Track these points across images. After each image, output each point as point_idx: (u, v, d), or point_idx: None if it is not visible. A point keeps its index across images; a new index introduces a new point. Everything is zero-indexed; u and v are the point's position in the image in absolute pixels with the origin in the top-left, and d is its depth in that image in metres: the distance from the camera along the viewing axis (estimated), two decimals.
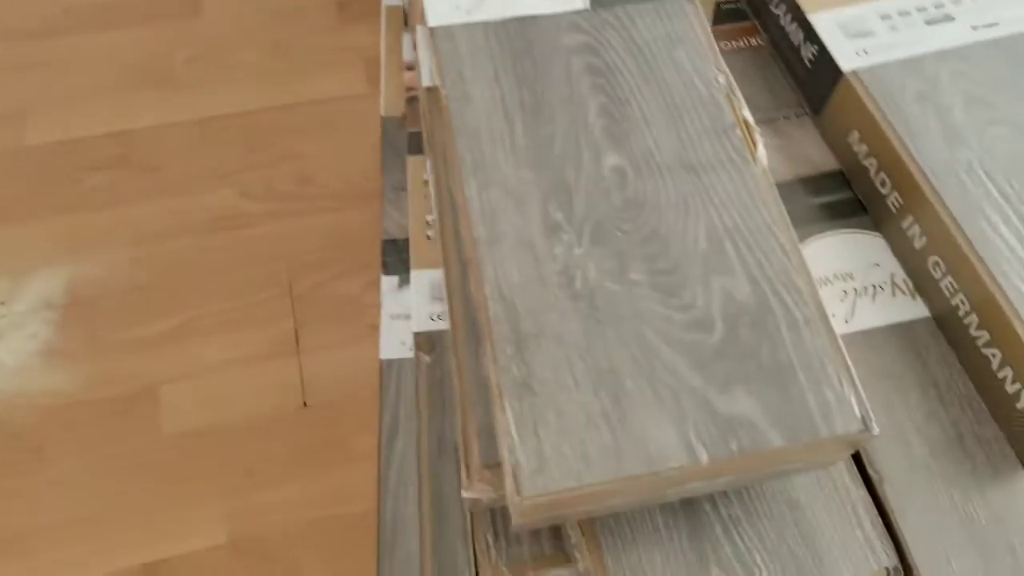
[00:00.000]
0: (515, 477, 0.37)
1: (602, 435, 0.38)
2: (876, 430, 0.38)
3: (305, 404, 0.74)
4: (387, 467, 0.62)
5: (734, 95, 0.47)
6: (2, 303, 0.81)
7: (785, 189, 0.55)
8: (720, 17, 0.65)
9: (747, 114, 0.46)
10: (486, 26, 0.50)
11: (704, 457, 0.37)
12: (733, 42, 0.63)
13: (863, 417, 0.38)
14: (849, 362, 0.39)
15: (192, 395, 0.75)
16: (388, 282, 0.67)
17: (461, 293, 0.44)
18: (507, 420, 0.38)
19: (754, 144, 0.46)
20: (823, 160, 0.57)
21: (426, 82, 0.51)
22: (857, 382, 0.39)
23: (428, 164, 0.52)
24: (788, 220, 0.43)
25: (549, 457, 0.37)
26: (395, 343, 0.63)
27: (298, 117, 0.91)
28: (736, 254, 0.42)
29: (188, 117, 0.92)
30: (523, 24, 0.50)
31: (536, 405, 0.38)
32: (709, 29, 0.51)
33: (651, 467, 0.37)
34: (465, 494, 0.43)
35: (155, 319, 0.79)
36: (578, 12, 0.51)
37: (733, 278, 0.42)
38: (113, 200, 0.87)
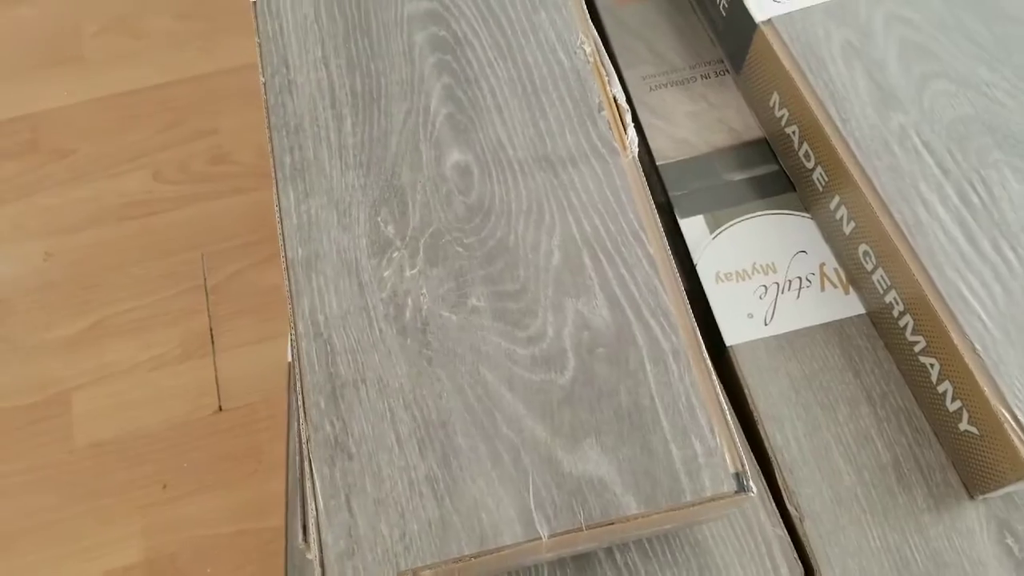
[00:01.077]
0: (322, 562, 0.30)
1: (426, 507, 0.31)
2: (753, 490, 0.30)
3: (220, 408, 0.68)
4: (295, 481, 0.55)
5: (603, 67, 0.39)
6: None
7: (700, 162, 0.47)
8: None
9: (617, 91, 0.38)
10: None
11: (545, 531, 0.30)
12: None
13: (738, 475, 0.30)
14: (724, 403, 0.32)
15: (105, 401, 0.70)
16: None
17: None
18: (315, 489, 0.31)
19: (623, 128, 0.37)
20: (745, 127, 0.48)
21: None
22: (733, 428, 0.31)
23: None
24: (659, 224, 0.35)
25: (363, 536, 0.30)
26: None
27: (212, 88, 0.83)
28: (595, 269, 0.34)
29: (98, 94, 0.84)
30: None
31: (351, 471, 0.31)
32: None
33: (482, 545, 0.30)
34: (307, 555, 0.36)
35: (68, 319, 0.73)
36: None
37: (591, 300, 0.34)
38: (24, 190, 0.80)
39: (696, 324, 0.33)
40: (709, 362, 0.33)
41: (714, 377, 0.32)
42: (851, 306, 0.42)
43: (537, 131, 0.38)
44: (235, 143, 0.80)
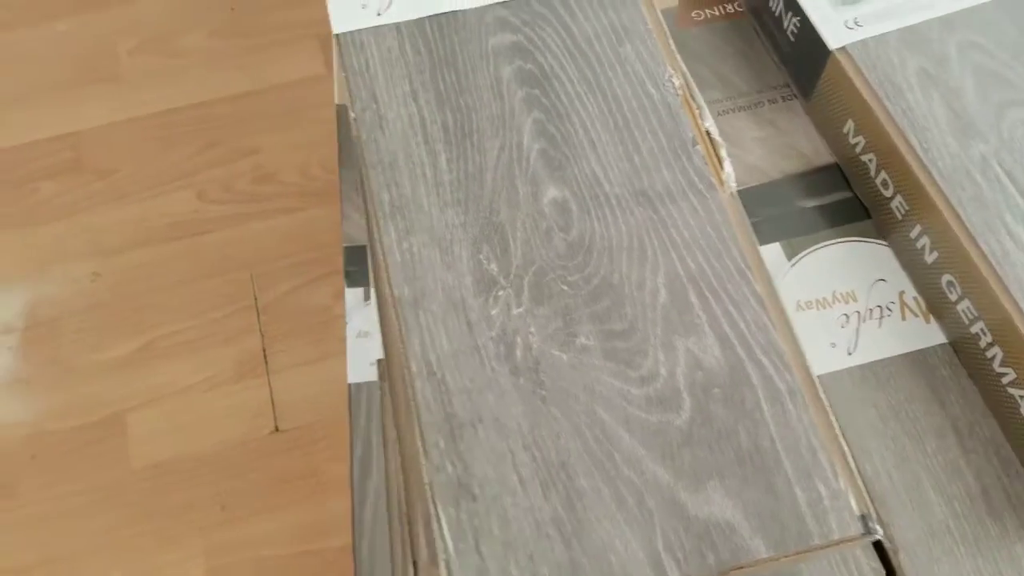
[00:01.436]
0: None
1: (555, 549, 0.30)
2: (879, 532, 0.30)
3: (277, 429, 0.68)
4: (361, 506, 0.55)
5: (694, 101, 0.38)
6: None
7: (771, 189, 0.46)
8: None
9: (710, 125, 0.37)
10: (399, 29, 0.41)
11: (676, 575, 0.30)
12: (706, 10, 0.53)
13: (864, 517, 0.30)
14: (844, 444, 0.32)
15: (160, 423, 0.70)
16: (352, 295, 0.58)
17: (397, 360, 0.37)
18: (443, 530, 0.31)
19: (720, 163, 0.37)
20: (816, 153, 0.47)
21: (338, 99, 0.43)
22: (855, 469, 0.31)
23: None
24: (763, 260, 0.35)
25: None
26: (363, 364, 0.55)
27: (252, 106, 0.82)
28: (703, 307, 0.34)
29: (139, 113, 0.84)
30: (443, 23, 0.41)
31: (476, 512, 0.31)
32: (660, 16, 0.41)
33: None
34: None
35: (118, 340, 0.73)
36: (505, 3, 0.41)
37: (701, 339, 0.33)
38: (68, 209, 0.80)
39: (809, 362, 0.33)
40: (826, 401, 0.32)
41: (832, 417, 0.32)
42: (933, 335, 0.41)
43: (632, 166, 0.37)
44: (278, 162, 0.79)
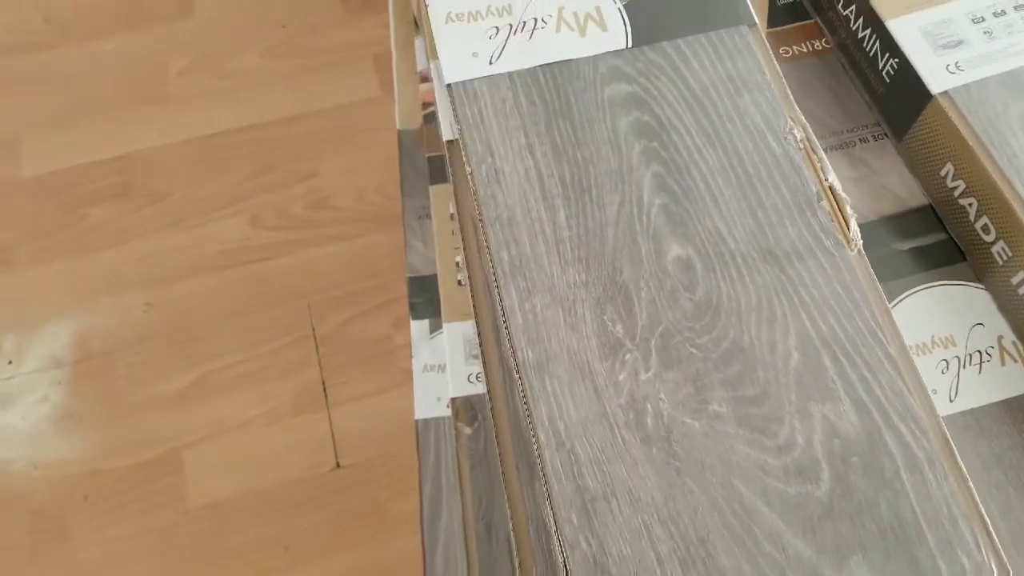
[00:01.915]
0: None
1: None
2: None
3: (338, 465, 0.69)
4: (432, 549, 0.55)
5: (815, 154, 0.39)
6: (9, 362, 0.76)
7: (868, 231, 0.47)
8: (776, 15, 0.55)
9: (833, 180, 0.38)
10: (512, 78, 0.42)
11: None
12: (794, 47, 0.53)
13: None
14: (983, 511, 0.32)
15: (218, 459, 0.70)
16: (418, 327, 0.58)
17: (510, 415, 0.38)
18: None
19: (846, 220, 0.37)
20: (909, 194, 0.48)
21: (447, 135, 0.43)
22: (994, 536, 0.32)
23: (458, 222, 0.44)
24: (895, 322, 0.35)
25: None
26: (430, 400, 0.56)
27: (306, 129, 0.83)
28: (837, 372, 0.35)
29: (188, 135, 0.85)
30: (556, 73, 0.42)
31: None
32: (776, 64, 0.42)
33: None
34: None
35: (172, 373, 0.74)
36: (619, 52, 0.42)
37: (836, 405, 0.34)
38: (118, 236, 0.81)
39: (946, 428, 0.33)
40: (964, 468, 0.33)
41: (971, 484, 0.33)
42: None
43: (756, 222, 0.38)
44: (334, 187, 0.80)
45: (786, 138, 0.40)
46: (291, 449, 0.70)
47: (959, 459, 0.33)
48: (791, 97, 0.41)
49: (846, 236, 0.37)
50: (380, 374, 0.72)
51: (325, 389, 0.72)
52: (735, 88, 0.41)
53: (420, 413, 0.54)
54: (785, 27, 0.54)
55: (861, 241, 0.37)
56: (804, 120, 0.40)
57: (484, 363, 0.41)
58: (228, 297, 0.76)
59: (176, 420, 0.72)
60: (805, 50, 0.54)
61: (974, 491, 0.33)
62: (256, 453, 0.70)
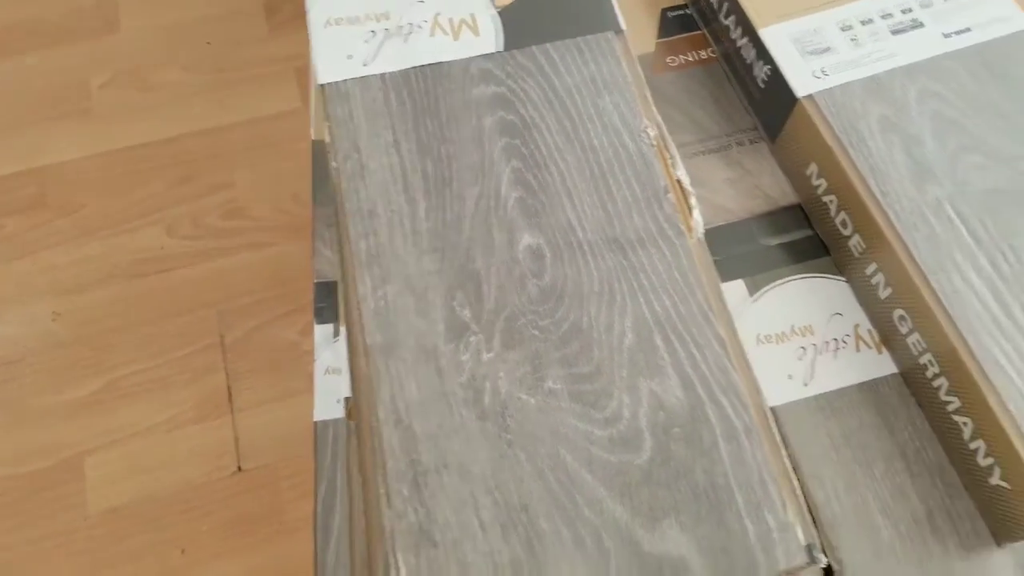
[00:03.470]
0: None
1: None
2: (823, 560, 0.34)
3: (240, 468, 0.71)
4: (324, 548, 0.57)
5: (667, 151, 0.43)
6: None
7: (738, 228, 0.51)
8: (667, 27, 0.60)
9: (681, 174, 0.42)
10: (384, 80, 0.45)
11: None
12: (682, 56, 0.58)
13: (809, 547, 0.34)
14: (793, 477, 0.35)
15: (120, 465, 0.72)
16: (322, 331, 0.61)
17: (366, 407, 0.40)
18: None
19: (689, 210, 0.41)
20: (780, 193, 0.52)
21: (316, 136, 0.46)
22: (803, 501, 0.35)
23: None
24: (726, 304, 0.39)
25: None
26: (331, 402, 0.58)
27: (225, 141, 0.86)
28: (668, 350, 0.38)
29: (107, 148, 0.87)
30: (428, 75, 0.45)
31: (436, 559, 0.34)
32: (639, 68, 0.46)
33: None
34: None
35: (77, 381, 0.76)
36: (490, 56, 0.46)
37: (664, 380, 0.37)
38: (31, 247, 0.83)
39: (764, 399, 0.37)
40: (779, 438, 0.36)
41: (783, 451, 0.36)
42: (885, 366, 0.45)
43: (606, 214, 0.41)
44: (250, 197, 0.83)
45: (640, 136, 0.44)
46: (193, 454, 0.72)
47: (775, 429, 0.37)
48: (649, 98, 0.45)
49: (688, 225, 0.41)
50: (286, 380, 0.74)
51: (230, 395, 0.74)
52: (596, 89, 0.45)
53: (319, 415, 0.56)
54: (675, 37, 0.59)
55: (703, 230, 0.41)
56: (660, 119, 0.44)
57: (349, 354, 0.43)
58: (138, 306, 0.79)
59: (79, 427, 0.73)
60: (692, 59, 0.58)
61: (786, 458, 0.36)
62: (158, 459, 0.72)
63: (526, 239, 0.41)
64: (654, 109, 0.44)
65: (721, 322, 0.38)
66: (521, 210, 0.42)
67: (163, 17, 0.94)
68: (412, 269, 0.40)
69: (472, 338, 0.38)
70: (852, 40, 0.50)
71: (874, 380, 0.45)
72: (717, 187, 0.53)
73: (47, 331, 0.76)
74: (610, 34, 0.47)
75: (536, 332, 0.38)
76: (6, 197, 0.85)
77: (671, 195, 0.42)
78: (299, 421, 0.72)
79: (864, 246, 0.45)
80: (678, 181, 0.42)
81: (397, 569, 0.34)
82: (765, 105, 0.52)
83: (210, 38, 0.92)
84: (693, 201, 0.41)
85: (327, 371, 0.56)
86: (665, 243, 0.41)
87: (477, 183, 0.42)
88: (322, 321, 0.58)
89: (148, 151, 0.85)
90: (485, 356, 0.38)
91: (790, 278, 0.49)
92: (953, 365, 0.40)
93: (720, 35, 0.57)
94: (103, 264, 0.80)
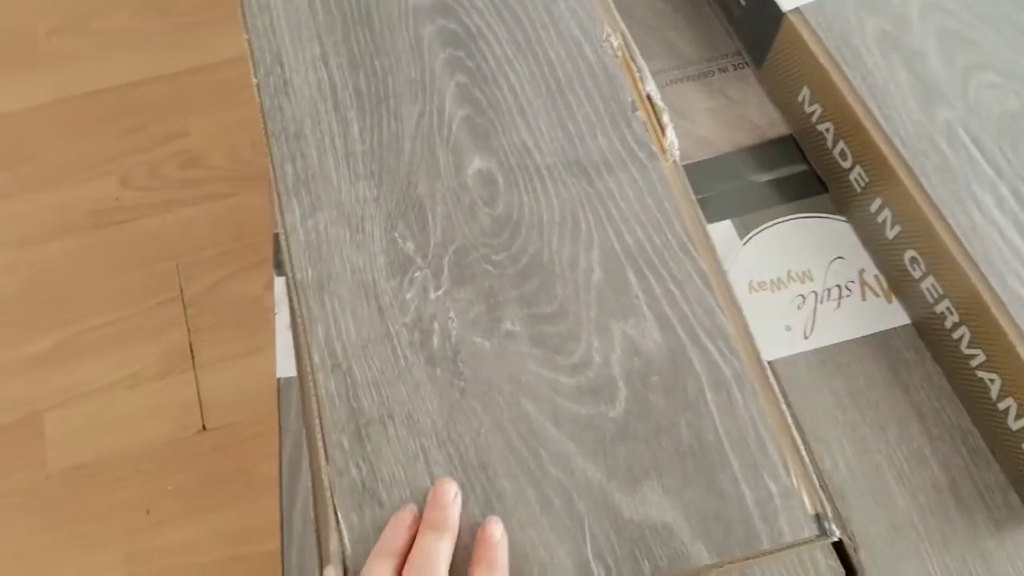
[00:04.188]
0: None
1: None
2: (836, 533, 0.27)
3: (204, 427, 0.63)
4: (290, 508, 0.49)
5: (634, 63, 0.34)
6: None
7: (724, 163, 0.43)
8: None
9: (651, 89, 0.34)
10: None
11: None
12: None
13: (819, 517, 0.27)
14: (796, 436, 0.28)
15: (80, 422, 0.64)
16: (282, 284, 0.52)
17: (302, 351, 0.33)
18: (343, 540, 0.27)
19: (662, 130, 0.33)
20: (768, 124, 0.44)
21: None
22: (809, 463, 0.28)
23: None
24: (709, 235, 0.31)
25: None
26: (292, 358, 0.50)
27: (179, 88, 0.77)
28: (642, 287, 0.30)
29: (57, 96, 0.77)
30: None
31: (382, 519, 0.27)
32: None
33: None
34: None
35: (35, 336, 0.67)
36: None
37: (639, 322, 0.30)
38: None
39: (758, 346, 0.29)
40: (777, 389, 0.29)
41: (783, 405, 0.28)
42: (895, 316, 0.38)
43: (566, 134, 0.33)
44: (207, 146, 0.74)
45: (602, 46, 0.35)
46: (156, 412, 0.64)
47: (772, 379, 0.29)
48: (611, 4, 0.36)
49: (661, 147, 0.33)
50: (250, 336, 0.66)
51: (192, 351, 0.66)
52: None
53: (281, 371, 0.48)
54: None
55: (678, 153, 0.33)
56: (624, 27, 0.36)
57: (289, 298, 0.35)
58: (94, 258, 0.70)
59: (37, 383, 0.65)
60: None
61: (786, 412, 0.29)
62: (120, 416, 0.64)
63: (475, 163, 0.33)
64: (616, 15, 0.36)
65: (703, 255, 0.31)
66: (468, 130, 0.33)
67: None
68: (346, 196, 0.32)
69: (417, 274, 0.31)
70: None
71: (883, 332, 0.38)
72: (698, 118, 0.44)
73: (1, 284, 0.68)
74: None
75: (490, 267, 0.31)
76: None
77: (640, 112, 0.34)
78: (264, 378, 0.64)
79: (867, 179, 0.38)
80: (647, 97, 0.34)
81: (339, 530, 0.27)
82: (748, 25, 0.44)
83: None
84: (666, 118, 0.33)
85: (288, 326, 0.48)
86: (635, 166, 0.33)
87: (417, 100, 0.34)
88: (282, 273, 0.50)
89: (99, 99, 0.76)
90: (433, 294, 0.30)
91: (784, 218, 0.41)
92: (975, 312, 0.33)
93: None
94: (57, 216, 0.71)
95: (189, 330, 0.66)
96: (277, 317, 0.51)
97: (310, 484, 0.46)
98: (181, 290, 0.68)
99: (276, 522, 0.45)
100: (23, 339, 0.67)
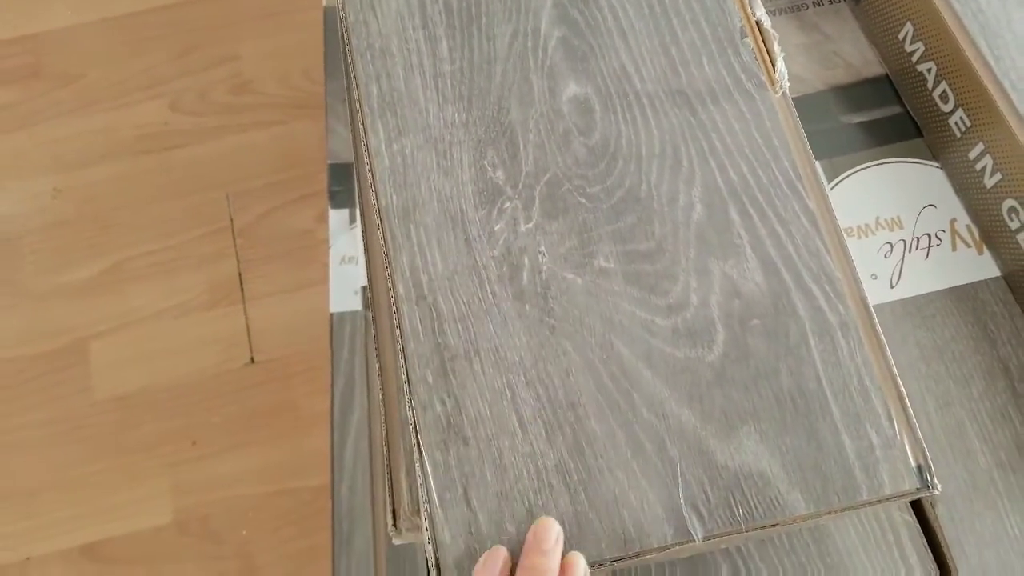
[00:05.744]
0: (437, 562, 0.26)
1: (558, 502, 0.27)
2: (939, 487, 0.26)
3: (253, 360, 0.64)
4: (341, 444, 0.51)
5: None
6: None
7: (814, 102, 0.42)
8: None
9: (761, 14, 0.32)
10: None
11: (699, 533, 0.26)
12: None
13: (920, 469, 0.26)
14: (901, 387, 0.27)
15: (127, 351, 0.65)
16: (337, 217, 0.53)
17: (382, 281, 0.33)
18: (427, 478, 0.27)
19: (772, 60, 0.32)
20: (863, 62, 0.43)
21: (327, 2, 0.37)
22: (910, 411, 0.27)
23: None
24: (818, 172, 0.30)
25: (485, 535, 0.26)
26: (347, 293, 0.51)
27: (230, 9, 0.76)
28: (745, 226, 0.30)
29: (104, 14, 0.77)
30: None
31: (467, 458, 0.27)
32: None
33: (626, 549, 0.26)
34: (395, 540, 0.32)
35: (82, 262, 0.68)
36: None
37: (741, 262, 0.29)
38: (27, 119, 0.74)
39: (866, 292, 0.29)
40: (883, 337, 0.28)
41: (888, 354, 0.28)
42: (985, 268, 0.37)
43: (669, 60, 0.32)
44: (258, 71, 0.74)
45: None
46: (204, 343, 0.65)
47: (878, 327, 0.28)
48: None
49: (771, 77, 0.32)
50: (301, 269, 0.67)
51: (242, 283, 0.66)
52: None
53: (335, 306, 0.49)
54: None
55: (788, 83, 0.32)
56: None
57: (362, 222, 0.35)
58: (143, 184, 0.71)
59: (84, 310, 0.66)
60: None
61: (892, 361, 0.28)
62: (167, 346, 0.65)
63: (571, 88, 0.32)
64: None
65: (812, 194, 0.30)
66: (565, 52, 0.33)
67: None
68: (433, 120, 0.31)
69: (507, 204, 0.30)
70: None
71: (972, 284, 0.37)
72: (790, 53, 0.43)
73: (47, 208, 0.69)
74: None
75: (583, 200, 0.30)
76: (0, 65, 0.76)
77: (748, 39, 0.33)
78: (314, 313, 0.64)
79: (968, 123, 0.36)
80: (757, 22, 0.33)
81: (423, 467, 0.27)
82: None
83: None
84: (777, 47, 0.32)
85: (343, 260, 0.49)
86: (743, 97, 0.32)
87: (511, 19, 0.33)
88: (337, 206, 0.51)
89: (149, 18, 0.76)
90: (523, 226, 0.30)
91: (875, 162, 0.40)
92: None
93: None
94: (105, 139, 0.71)
95: (239, 261, 0.67)
96: (331, 251, 0.51)
97: (363, 423, 0.47)
98: (231, 220, 0.68)
99: (325, 457, 0.45)
100: (68, 265, 0.68)
